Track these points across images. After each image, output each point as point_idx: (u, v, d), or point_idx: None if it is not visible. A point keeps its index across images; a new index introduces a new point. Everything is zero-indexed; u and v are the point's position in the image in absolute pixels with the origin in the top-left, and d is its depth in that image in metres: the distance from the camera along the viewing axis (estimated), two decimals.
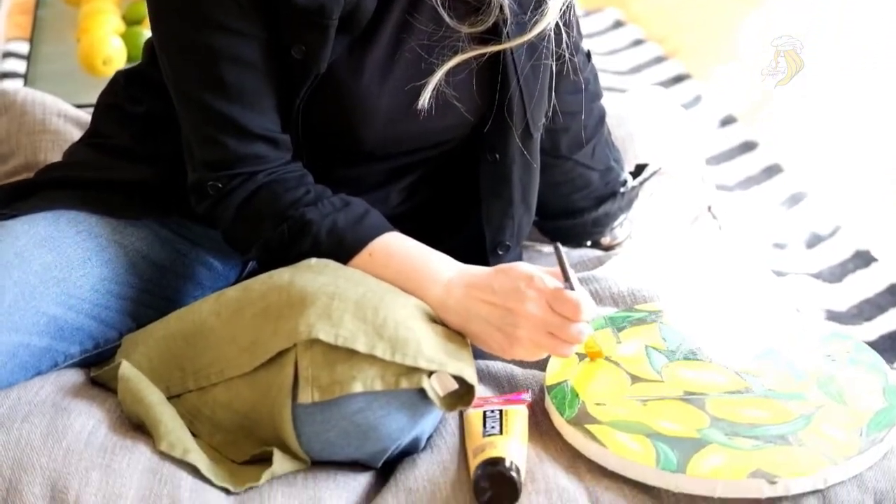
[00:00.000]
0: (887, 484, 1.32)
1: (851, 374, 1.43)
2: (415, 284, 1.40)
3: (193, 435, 1.37)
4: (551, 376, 1.45)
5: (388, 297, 1.35)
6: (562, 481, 1.33)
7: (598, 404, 1.40)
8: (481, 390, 1.48)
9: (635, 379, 1.43)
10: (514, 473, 1.29)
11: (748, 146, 2.86)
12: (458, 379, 1.32)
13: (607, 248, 1.84)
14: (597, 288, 1.63)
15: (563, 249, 1.39)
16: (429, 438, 1.40)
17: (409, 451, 1.38)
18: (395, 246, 1.43)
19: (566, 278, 1.34)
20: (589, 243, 1.84)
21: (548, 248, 1.82)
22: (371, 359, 1.30)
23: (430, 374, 1.31)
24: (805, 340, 1.49)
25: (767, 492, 1.29)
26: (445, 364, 1.31)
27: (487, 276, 1.37)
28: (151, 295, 1.54)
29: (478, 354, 1.53)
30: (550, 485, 1.32)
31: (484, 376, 1.51)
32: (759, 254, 2.45)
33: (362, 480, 1.36)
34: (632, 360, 1.47)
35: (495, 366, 1.53)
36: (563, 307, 1.32)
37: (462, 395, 1.33)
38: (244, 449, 1.37)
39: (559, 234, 1.80)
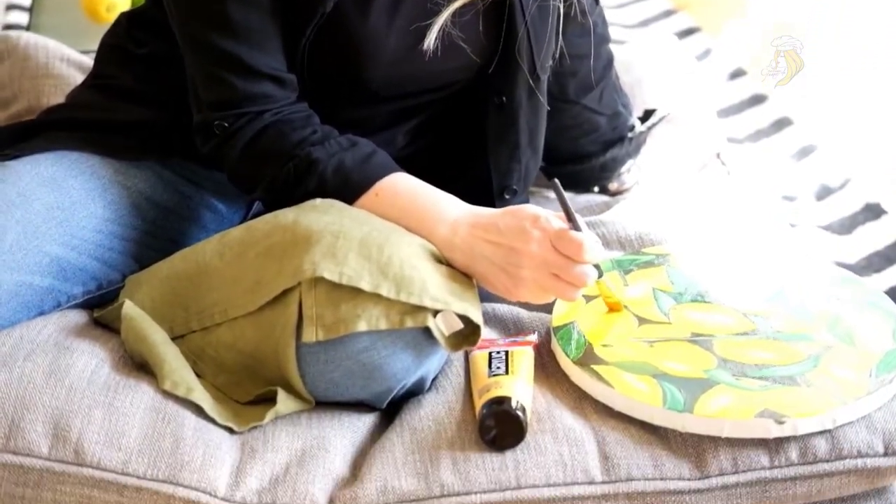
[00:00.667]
0: None
1: (861, 316, 1.42)
2: (421, 224, 1.38)
3: (197, 376, 1.36)
4: (557, 318, 1.44)
5: (393, 236, 1.33)
6: (568, 421, 1.31)
7: (604, 345, 1.39)
8: (487, 333, 1.47)
9: (642, 321, 1.42)
10: (519, 412, 1.28)
11: (758, 99, 2.84)
12: (464, 318, 1.30)
13: (615, 194, 1.82)
14: (604, 232, 1.62)
15: (568, 194, 1.37)
16: (434, 380, 1.39)
17: (415, 392, 1.37)
18: (401, 186, 1.41)
19: (570, 218, 1.33)
20: (596, 189, 1.83)
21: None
22: (376, 297, 1.29)
23: (435, 313, 1.30)
24: (815, 283, 1.48)
25: (775, 431, 1.28)
26: (450, 303, 1.30)
27: (494, 216, 1.36)
28: (155, 237, 1.53)
29: (484, 297, 1.52)
30: (557, 424, 1.31)
31: (490, 319, 1.50)
32: (769, 205, 2.44)
33: (367, 421, 1.36)
34: (639, 302, 1.45)
35: (501, 308, 1.51)
36: (566, 247, 1.30)
37: (467, 335, 1.32)
38: (248, 389, 1.37)
39: (567, 180, 1.78)
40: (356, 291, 1.29)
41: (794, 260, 1.53)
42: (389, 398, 1.35)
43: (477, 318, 1.31)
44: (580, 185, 1.81)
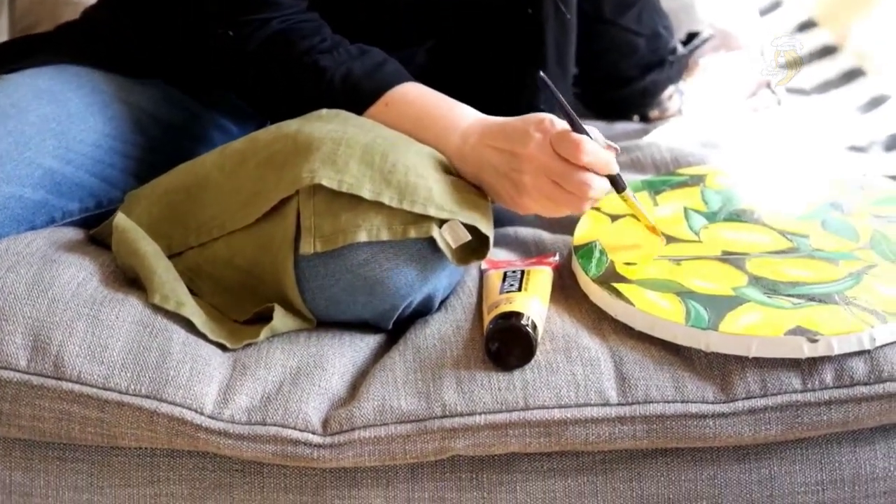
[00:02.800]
0: None
1: None
2: (432, 134, 1.29)
3: (194, 294, 1.28)
4: (580, 237, 1.34)
5: (400, 144, 1.25)
6: (584, 341, 1.22)
7: (627, 264, 1.29)
8: (507, 255, 1.38)
9: (670, 239, 1.32)
10: (528, 328, 1.19)
11: (828, 51, 2.70)
12: (472, 229, 1.21)
13: (656, 122, 1.71)
14: (638, 156, 1.52)
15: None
16: (444, 300, 1.30)
17: (422, 313, 1.29)
18: (412, 95, 1.33)
19: (570, 121, 1.23)
20: (637, 118, 1.72)
21: (591, 122, 1.70)
22: (377, 206, 1.20)
23: (440, 223, 1.21)
24: (861, 201, 1.36)
25: (808, 350, 1.17)
26: (457, 213, 1.21)
27: (504, 122, 1.26)
28: (160, 155, 1.46)
29: (507, 221, 1.43)
30: (571, 344, 1.21)
31: (511, 241, 1.41)
32: (834, 155, 2.31)
33: (370, 341, 1.27)
34: (668, 220, 1.35)
35: (524, 231, 1.42)
36: (565, 148, 1.20)
37: (476, 248, 1.23)
38: (247, 308, 1.28)
39: (605, 107, 1.69)
40: (357, 200, 1.20)
41: (840, 178, 1.42)
42: (395, 317, 1.27)
43: (486, 228, 1.22)
44: (619, 112, 1.71)
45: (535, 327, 1.20)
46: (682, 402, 1.18)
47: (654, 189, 1.41)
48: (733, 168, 1.44)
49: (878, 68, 2.62)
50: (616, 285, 1.25)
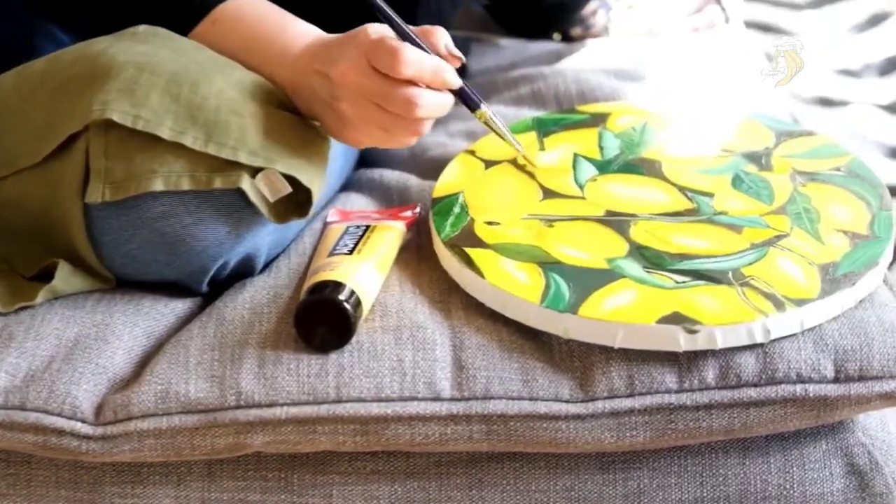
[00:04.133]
0: (855, 341, 0.97)
1: (836, 196, 1.08)
2: (262, 58, 1.07)
3: None
4: (442, 186, 1.13)
5: (217, 72, 1.03)
6: (420, 317, 1.01)
7: (489, 223, 1.07)
8: (366, 204, 1.16)
9: (549, 194, 1.10)
10: (346, 303, 0.98)
11: None
12: (293, 181, 1.00)
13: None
14: (541, 87, 1.30)
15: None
16: (275, 259, 1.09)
17: (245, 274, 1.08)
18: (247, 10, 1.10)
19: (395, 30, 1.01)
20: (558, 37, 1.49)
21: (505, 41, 1.47)
22: (179, 149, 0.99)
23: (255, 172, 0.99)
24: (788, 150, 1.14)
25: (685, 343, 0.96)
26: (274, 160, 0.99)
27: (331, 39, 1.04)
28: None
29: (375, 160, 1.22)
30: (404, 322, 1.00)
31: (374, 187, 1.20)
32: (819, 81, 2.07)
33: (177, 307, 1.06)
34: (552, 170, 1.13)
35: (390, 175, 1.21)
36: (380, 59, 0.98)
37: (301, 202, 1.02)
38: (39, 261, 1.08)
39: (518, 23, 1.46)
40: (156, 140, 0.99)
41: (768, 121, 1.19)
42: (206, 280, 1.06)
43: (309, 180, 1.00)
44: (536, 29, 1.47)
45: (357, 302, 0.99)
46: (530, 399, 0.97)
47: (544, 130, 1.18)
48: (645, 106, 1.21)
49: None
50: (469, 250, 1.04)
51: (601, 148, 1.15)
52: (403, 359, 0.98)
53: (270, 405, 0.96)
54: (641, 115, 1.20)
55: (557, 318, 0.97)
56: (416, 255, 1.09)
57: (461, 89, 1.02)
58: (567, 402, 0.97)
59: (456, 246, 1.04)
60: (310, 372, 0.97)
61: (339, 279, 0.99)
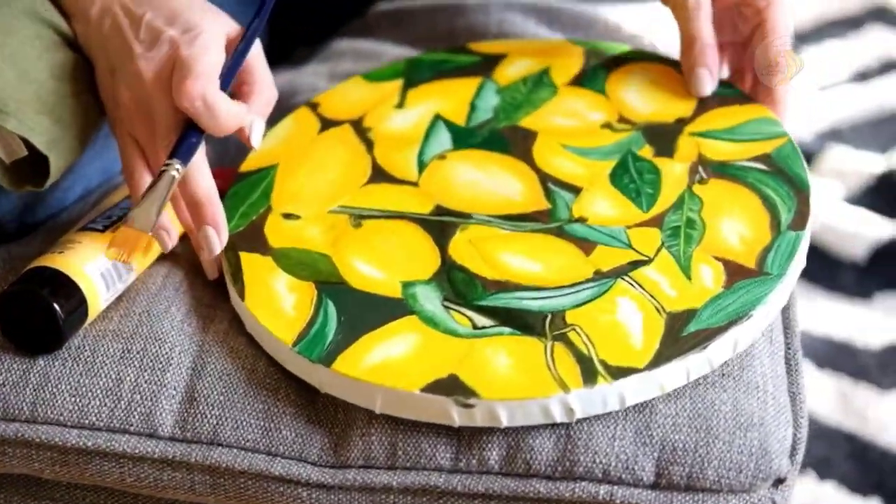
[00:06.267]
0: (691, 436, 0.73)
1: (739, 201, 0.82)
2: None
3: None
4: (253, 157, 0.91)
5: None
6: (164, 326, 0.81)
7: (286, 215, 0.85)
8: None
9: (378, 175, 0.87)
10: (55, 303, 0.78)
11: None
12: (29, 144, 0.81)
13: None
14: (457, 24, 1.05)
15: None
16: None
17: None
18: None
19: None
20: None
21: None
22: None
23: None
24: (706, 124, 0.88)
25: (459, 418, 0.74)
26: (8, 116, 0.80)
27: None
28: None
29: None
30: (142, 329, 0.80)
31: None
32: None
33: None
34: (399, 136, 0.90)
35: None
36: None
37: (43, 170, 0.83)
38: None
39: None
40: None
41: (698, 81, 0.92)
42: None
43: (48, 146, 0.81)
44: None
45: (80, 301, 0.79)
46: (268, 454, 0.77)
47: (414, 78, 0.95)
48: (556, 47, 0.96)
49: None
50: (244, 255, 0.83)
51: (472, 107, 0.91)
52: (124, 378, 0.79)
53: None
54: (544, 61, 0.94)
55: (308, 367, 0.77)
56: None
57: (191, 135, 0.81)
58: (314, 464, 0.77)
59: (233, 249, 0.83)
60: (7, 379, 0.79)
61: (62, 268, 0.79)
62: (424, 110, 0.92)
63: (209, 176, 0.81)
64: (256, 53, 0.84)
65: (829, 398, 1.38)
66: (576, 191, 0.84)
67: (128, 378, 0.79)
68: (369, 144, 0.89)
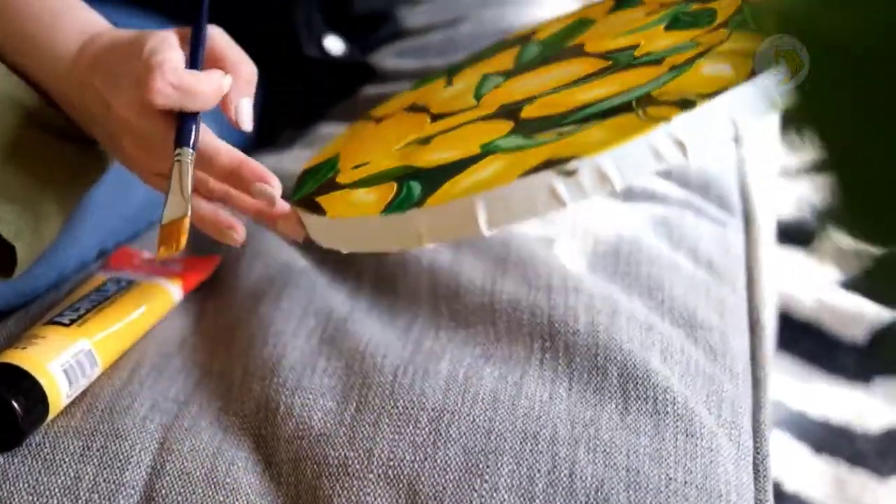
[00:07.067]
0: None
1: None
2: (30, 60, 0.85)
3: None
4: (319, 154, 0.92)
5: None
6: (126, 422, 0.79)
7: (357, 166, 0.84)
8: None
9: (437, 118, 0.87)
10: (15, 403, 0.75)
11: None
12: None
13: None
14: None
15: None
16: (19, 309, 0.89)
17: None
18: None
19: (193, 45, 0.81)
20: None
21: None
22: None
23: None
24: None
25: (567, 194, 0.69)
26: None
27: (119, 44, 0.81)
28: None
29: None
30: (103, 425, 0.78)
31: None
32: None
33: None
34: (449, 98, 0.91)
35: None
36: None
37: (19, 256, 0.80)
38: None
39: None
40: None
41: None
42: None
43: (15, 234, 0.78)
44: None
45: (40, 398, 0.75)
46: None
47: (454, 69, 0.97)
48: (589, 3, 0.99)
49: None
50: (318, 198, 0.81)
51: (518, 58, 0.93)
52: (82, 476, 0.75)
53: None
54: (578, 13, 0.97)
55: (404, 222, 0.72)
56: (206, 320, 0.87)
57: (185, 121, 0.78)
58: None
59: (304, 200, 0.82)
60: None
61: (24, 364, 0.76)
62: (472, 76, 0.93)
63: (225, 145, 0.77)
64: (219, 35, 0.81)
65: (825, 483, 1.30)
66: (630, 47, 0.83)
67: (86, 476, 0.76)
68: (426, 110, 0.90)
